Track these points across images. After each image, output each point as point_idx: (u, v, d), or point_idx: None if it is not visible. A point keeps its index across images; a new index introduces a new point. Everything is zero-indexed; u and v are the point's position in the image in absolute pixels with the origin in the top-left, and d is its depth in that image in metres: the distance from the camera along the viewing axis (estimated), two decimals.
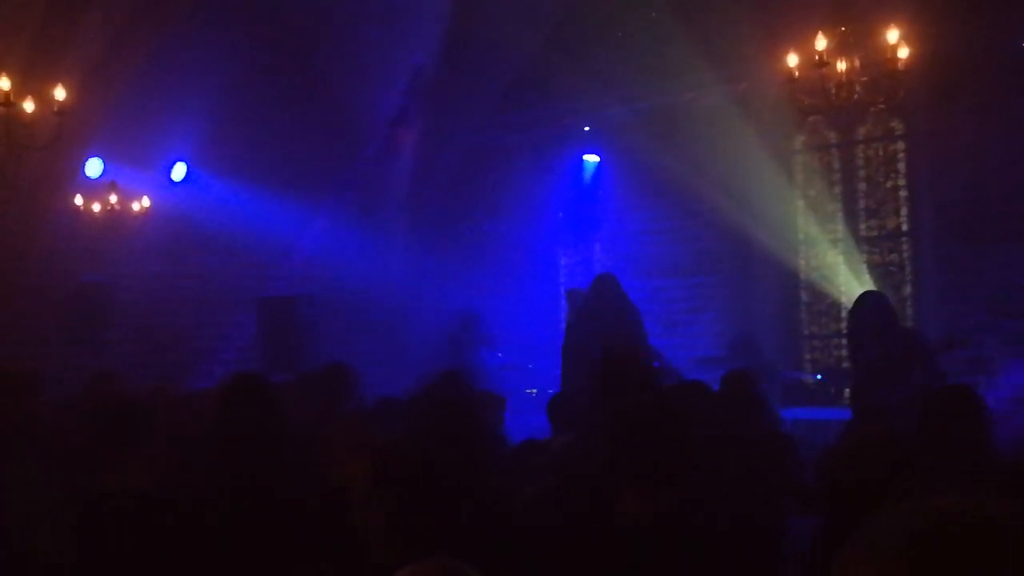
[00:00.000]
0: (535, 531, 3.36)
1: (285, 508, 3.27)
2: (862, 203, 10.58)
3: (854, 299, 7.74)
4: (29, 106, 6.87)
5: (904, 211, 10.31)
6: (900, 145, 10.36)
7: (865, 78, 6.38)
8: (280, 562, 3.13)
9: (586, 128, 11.92)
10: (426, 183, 12.73)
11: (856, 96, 6.02)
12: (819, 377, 10.45)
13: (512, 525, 3.40)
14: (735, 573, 3.05)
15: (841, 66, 5.90)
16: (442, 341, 10.62)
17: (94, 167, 9.70)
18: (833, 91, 5.98)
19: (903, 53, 5.74)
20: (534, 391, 10.80)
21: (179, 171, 10.61)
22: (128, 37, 9.28)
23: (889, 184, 10.42)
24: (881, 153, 10.50)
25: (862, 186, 10.59)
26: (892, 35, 5.72)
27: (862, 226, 10.54)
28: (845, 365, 9.66)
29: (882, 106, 7.08)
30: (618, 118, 11.34)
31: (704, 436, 4.77)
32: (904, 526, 1.17)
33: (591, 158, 12.09)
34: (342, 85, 11.82)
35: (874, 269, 10.29)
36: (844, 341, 10.13)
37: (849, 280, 10.20)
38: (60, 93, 6.89)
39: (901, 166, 10.34)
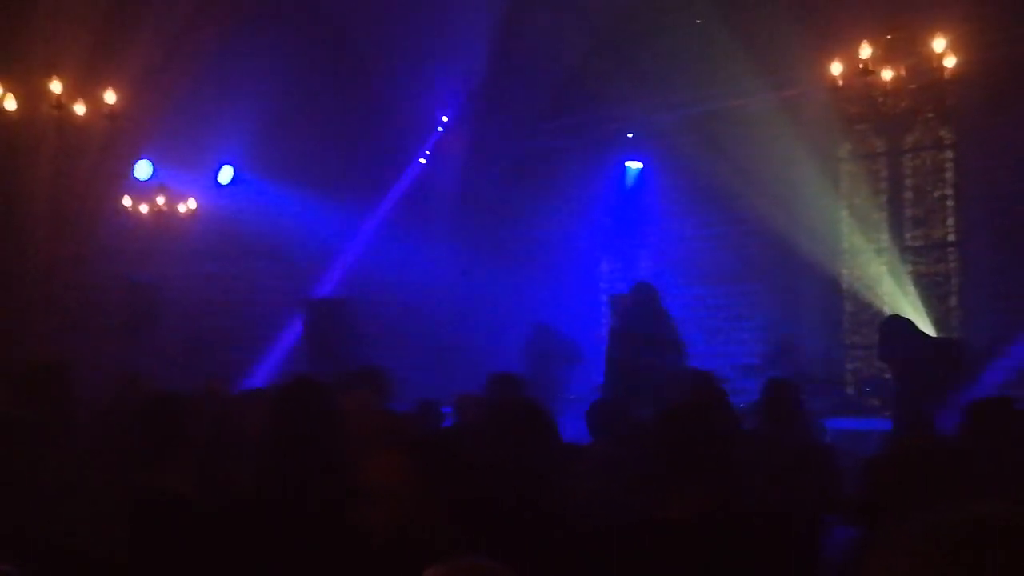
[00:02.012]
0: (580, 531, 3.39)
1: (324, 512, 3.30)
2: (908, 212, 10.46)
3: (885, 322, 7.72)
4: (80, 109, 7.01)
5: (951, 221, 10.18)
6: (948, 154, 10.22)
7: (914, 86, 6.33)
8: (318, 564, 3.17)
9: (630, 135, 11.92)
10: (473, 188, 12.79)
11: (903, 104, 5.97)
12: (868, 389, 10.31)
13: (559, 525, 3.44)
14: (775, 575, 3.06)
15: (887, 74, 5.85)
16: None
17: (143, 169, 9.88)
18: (879, 99, 5.93)
19: (950, 62, 5.68)
20: (572, 397, 10.78)
21: (226, 174, 10.76)
22: (180, 42, 9.44)
23: (936, 193, 10.29)
24: (929, 162, 10.37)
25: (909, 195, 10.47)
26: (939, 43, 5.66)
27: (908, 236, 10.43)
28: (887, 376, 9.56)
29: (930, 115, 7.00)
30: (664, 124, 11.31)
31: (744, 442, 4.77)
32: (945, 531, 1.16)
33: (634, 164, 12.08)
34: (391, 90, 11.92)
35: (919, 280, 10.16)
36: None
37: (893, 290, 10.09)
38: (110, 97, 7.02)
39: (949, 175, 10.21)
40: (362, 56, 11.78)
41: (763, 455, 5.01)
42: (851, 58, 5.75)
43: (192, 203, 10.10)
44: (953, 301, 10.09)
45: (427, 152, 12.64)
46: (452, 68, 11.88)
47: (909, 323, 7.40)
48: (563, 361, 10.51)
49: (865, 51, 5.60)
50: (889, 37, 5.78)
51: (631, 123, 11.76)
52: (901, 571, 1.15)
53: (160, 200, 9.83)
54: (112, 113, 7.06)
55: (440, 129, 12.67)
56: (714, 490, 3.02)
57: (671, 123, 11.14)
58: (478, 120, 12.35)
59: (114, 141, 7.62)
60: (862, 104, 6.01)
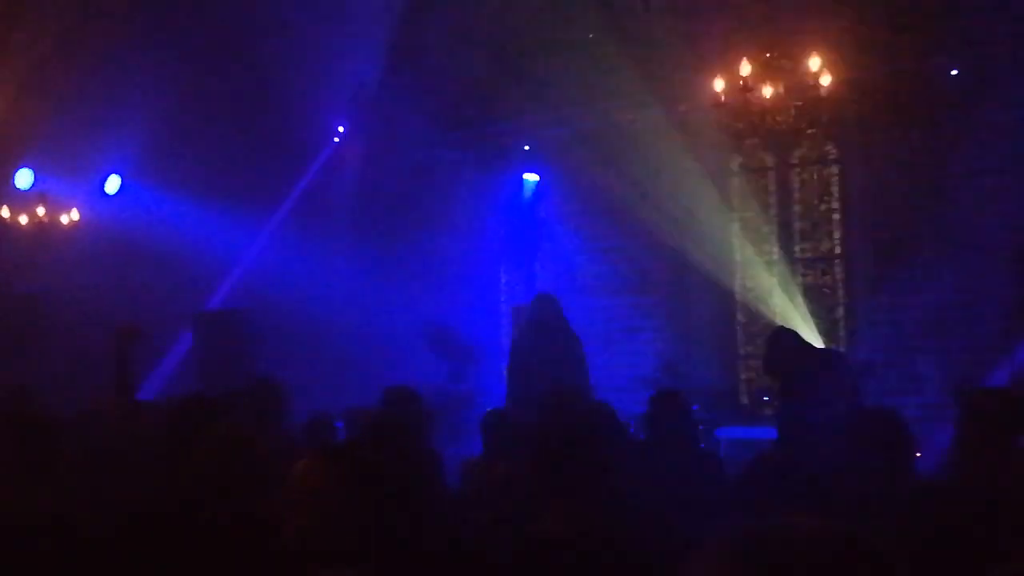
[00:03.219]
0: (458, 546, 3.37)
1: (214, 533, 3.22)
2: (797, 225, 10.72)
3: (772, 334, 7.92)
4: None
5: (837, 234, 10.46)
6: (834, 168, 10.52)
7: (799, 102, 6.49)
8: None
9: (526, 147, 11.99)
10: (369, 198, 12.69)
11: (782, 120, 6.12)
12: (765, 398, 10.48)
13: (441, 539, 3.41)
14: None
15: (767, 91, 5.99)
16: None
17: (24, 178, 9.55)
18: (759, 116, 6.07)
19: (825, 80, 5.85)
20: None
21: (113, 183, 10.47)
22: (64, 48, 9.16)
23: (823, 207, 10.58)
24: (816, 176, 10.65)
25: (797, 208, 10.73)
26: (814, 63, 5.83)
27: (797, 248, 10.68)
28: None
29: (810, 131, 7.20)
30: (559, 138, 11.40)
31: (625, 455, 4.81)
32: (739, 541, 1.26)
33: (531, 177, 12.14)
34: (285, 99, 11.75)
35: (808, 291, 10.43)
36: None
37: (784, 301, 10.33)
38: None
39: (835, 189, 10.50)
40: (257, 63, 11.57)
41: (649, 467, 5.06)
42: (732, 75, 5.88)
43: (75, 214, 9.79)
44: (840, 312, 10.37)
45: (323, 162, 12.50)
46: (349, 77, 11.78)
47: (794, 334, 7.56)
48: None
49: (745, 68, 5.73)
50: (768, 55, 5.92)
51: (527, 135, 11.83)
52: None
53: (40, 210, 9.51)
54: None
55: (336, 139, 12.54)
56: (591, 506, 3.03)
57: (565, 136, 11.24)
58: (375, 130, 12.27)
59: None
60: (746, 120, 6.14)
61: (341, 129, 12.65)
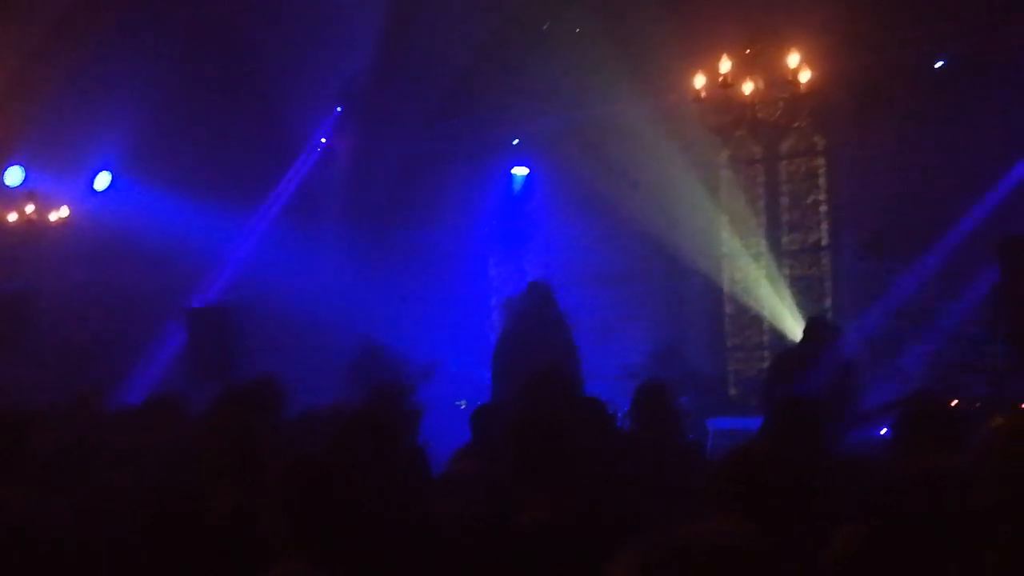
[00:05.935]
0: (436, 541, 3.39)
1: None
2: (785, 217, 10.77)
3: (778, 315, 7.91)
4: None
5: (824, 225, 10.52)
6: (821, 160, 10.57)
7: (785, 95, 6.54)
8: None
9: (515, 141, 12.02)
10: (359, 192, 12.71)
11: (772, 115, 6.17)
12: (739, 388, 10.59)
13: (415, 536, 3.43)
14: None
15: (747, 87, 6.04)
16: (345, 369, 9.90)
17: (14, 175, 9.58)
18: (741, 110, 6.11)
19: (804, 76, 5.91)
20: (463, 403, 10.77)
21: (103, 180, 10.49)
22: (53, 45, 9.18)
23: (811, 199, 10.63)
24: (803, 168, 10.70)
25: (785, 200, 10.78)
26: (792, 59, 5.89)
27: (784, 239, 10.74)
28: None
29: (803, 123, 7.24)
30: (547, 130, 11.44)
31: (606, 447, 4.86)
32: (641, 549, 1.39)
33: (520, 170, 12.19)
34: (275, 94, 11.77)
35: (795, 282, 10.48)
36: (767, 353, 10.37)
37: (771, 293, 10.39)
38: None
39: (822, 181, 10.56)
40: (245, 60, 11.60)
41: (633, 458, 5.10)
42: (712, 71, 5.93)
43: (64, 210, 9.81)
44: (827, 303, 10.42)
45: (314, 156, 12.52)
46: (338, 72, 11.79)
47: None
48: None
49: (724, 65, 5.78)
50: (748, 51, 5.96)
51: (516, 129, 11.86)
52: None
53: (29, 208, 9.52)
54: None
55: (324, 140, 12.57)
56: (563, 498, 3.06)
57: (554, 130, 11.28)
58: (365, 124, 12.29)
59: None
60: (730, 115, 6.18)
61: (331, 124, 12.66)
